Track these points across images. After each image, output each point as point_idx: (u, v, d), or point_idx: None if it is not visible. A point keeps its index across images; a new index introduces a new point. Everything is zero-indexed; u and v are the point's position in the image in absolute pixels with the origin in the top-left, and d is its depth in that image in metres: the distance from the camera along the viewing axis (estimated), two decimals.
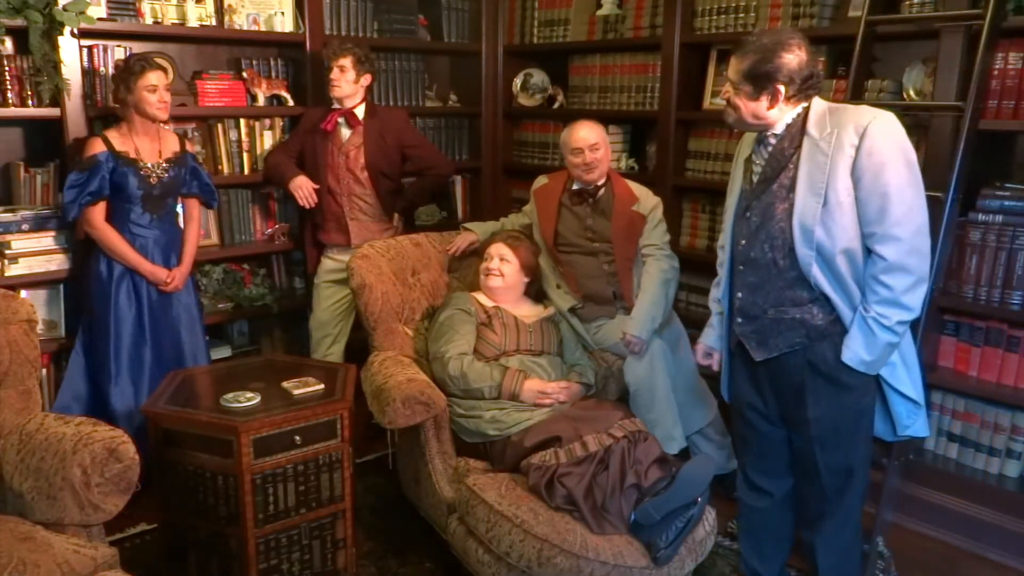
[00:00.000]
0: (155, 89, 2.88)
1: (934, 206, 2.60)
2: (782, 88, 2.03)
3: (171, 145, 3.05)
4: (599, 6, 3.92)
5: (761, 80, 2.03)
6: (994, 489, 2.76)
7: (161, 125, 3.02)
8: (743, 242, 2.19)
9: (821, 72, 2.09)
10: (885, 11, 2.82)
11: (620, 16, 3.79)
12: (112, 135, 2.93)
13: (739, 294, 2.23)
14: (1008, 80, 2.66)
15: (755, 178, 2.18)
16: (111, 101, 3.02)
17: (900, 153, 1.99)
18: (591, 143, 2.99)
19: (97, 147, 2.88)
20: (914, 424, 2.21)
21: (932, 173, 2.74)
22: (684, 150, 3.63)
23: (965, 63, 2.62)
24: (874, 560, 2.64)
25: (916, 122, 2.89)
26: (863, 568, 2.55)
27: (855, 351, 2.07)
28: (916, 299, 2.03)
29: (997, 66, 2.66)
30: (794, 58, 2.01)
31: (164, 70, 2.97)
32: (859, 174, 1.99)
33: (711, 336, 2.43)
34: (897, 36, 3.00)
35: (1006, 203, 2.70)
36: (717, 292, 2.37)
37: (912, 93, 2.91)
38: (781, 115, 2.08)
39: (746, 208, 2.19)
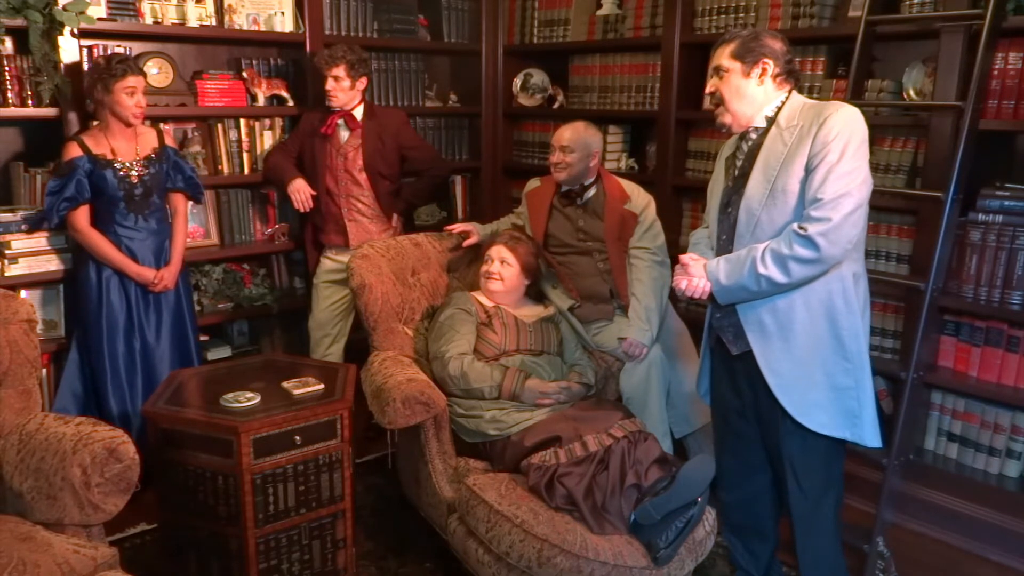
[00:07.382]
0: (133, 92, 2.84)
1: (934, 206, 2.61)
2: (769, 62, 2.12)
3: (149, 142, 3.00)
4: (599, 6, 3.91)
5: (750, 56, 2.13)
6: (994, 489, 2.76)
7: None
8: (723, 238, 2.25)
9: (796, 61, 2.21)
10: (885, 11, 2.82)
11: (620, 16, 3.78)
12: (87, 137, 2.88)
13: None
14: (1008, 80, 2.65)
15: (736, 174, 2.23)
16: (87, 100, 2.94)
17: (846, 138, 2.00)
18: (563, 143, 2.99)
19: (73, 151, 2.84)
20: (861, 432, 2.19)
21: (932, 173, 2.75)
22: (684, 150, 3.63)
23: (965, 63, 2.62)
24: (874, 560, 2.64)
25: (916, 122, 2.89)
26: (868, 568, 2.56)
27: (713, 270, 2.15)
28: (801, 274, 2.04)
29: (997, 66, 2.66)
30: (775, 42, 2.14)
31: (144, 75, 2.94)
32: (811, 161, 2.04)
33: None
34: (897, 36, 3.00)
35: (1006, 203, 2.69)
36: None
37: (912, 93, 2.91)
38: (767, 99, 2.15)
39: (726, 204, 2.25)
